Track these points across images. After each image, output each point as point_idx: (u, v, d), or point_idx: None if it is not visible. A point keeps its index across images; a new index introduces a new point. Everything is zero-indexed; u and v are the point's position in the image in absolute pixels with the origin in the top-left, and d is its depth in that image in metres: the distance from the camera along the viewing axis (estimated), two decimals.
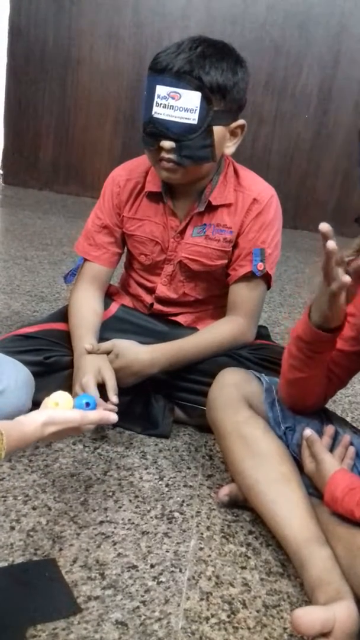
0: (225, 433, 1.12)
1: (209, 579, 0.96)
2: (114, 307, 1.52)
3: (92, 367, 1.25)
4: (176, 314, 1.49)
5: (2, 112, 4.44)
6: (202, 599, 0.92)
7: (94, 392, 1.19)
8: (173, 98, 1.19)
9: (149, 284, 1.48)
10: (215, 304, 1.49)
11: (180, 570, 0.97)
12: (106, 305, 1.50)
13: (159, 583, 0.94)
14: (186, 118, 1.19)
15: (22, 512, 1.05)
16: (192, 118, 1.19)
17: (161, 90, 1.18)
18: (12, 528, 1.01)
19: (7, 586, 0.88)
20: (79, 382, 1.22)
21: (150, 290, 1.48)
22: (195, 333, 1.40)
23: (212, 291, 1.47)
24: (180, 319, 1.49)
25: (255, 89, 4.01)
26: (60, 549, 0.98)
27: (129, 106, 4.40)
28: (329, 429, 1.10)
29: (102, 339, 1.37)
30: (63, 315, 1.47)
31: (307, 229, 4.37)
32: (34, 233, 3.13)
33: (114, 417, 1.00)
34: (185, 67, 1.17)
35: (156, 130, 1.21)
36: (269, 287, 1.43)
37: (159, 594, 0.91)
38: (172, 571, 0.96)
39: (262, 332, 1.54)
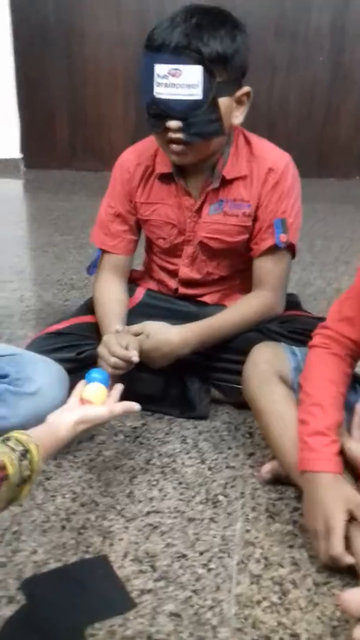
0: (262, 412, 1.12)
1: (258, 561, 0.98)
2: (139, 293, 1.52)
3: (118, 335, 1.26)
4: (202, 295, 1.48)
5: (16, 97, 4.41)
6: (252, 583, 0.93)
7: (115, 345, 1.20)
8: (173, 75, 1.15)
9: (171, 267, 1.47)
10: (241, 278, 1.47)
11: (229, 555, 0.99)
12: (131, 292, 1.50)
13: (208, 570, 0.96)
14: (189, 94, 1.15)
15: (71, 510, 1.08)
16: (196, 93, 1.15)
17: (160, 69, 1.15)
18: (63, 527, 1.04)
19: (63, 587, 0.92)
20: (102, 341, 1.25)
21: (174, 273, 1.47)
22: (224, 310, 1.39)
23: (236, 267, 1.45)
24: (206, 298, 1.48)
25: (265, 36, 3.86)
26: (111, 544, 1.00)
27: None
28: (358, 407, 1.09)
29: (130, 325, 1.37)
30: (90, 307, 1.47)
31: (332, 176, 4.25)
32: (59, 217, 3.14)
33: (137, 406, 1.07)
34: (183, 42, 1.13)
35: (160, 111, 1.18)
36: (293, 256, 1.40)
37: (209, 582, 0.93)
38: (221, 557, 0.98)
39: (292, 300, 1.51)
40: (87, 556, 0.98)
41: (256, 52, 3.92)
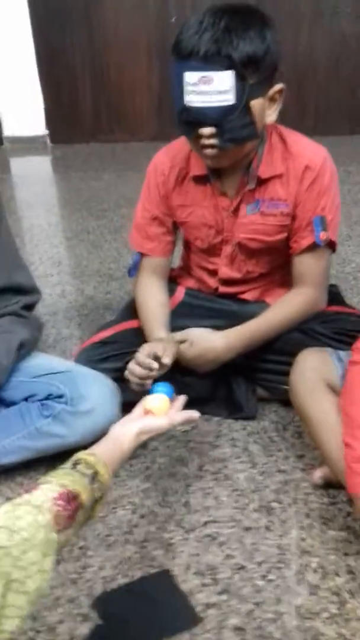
0: (311, 420, 1.14)
1: (315, 571, 1.02)
2: (180, 293, 1.54)
3: (153, 343, 1.26)
4: (243, 292, 1.49)
5: (37, 71, 4.36)
6: (311, 594, 0.98)
7: (143, 356, 1.19)
8: (204, 83, 1.13)
9: (210, 266, 1.48)
10: (281, 273, 1.47)
11: (287, 565, 1.03)
12: (172, 291, 1.52)
13: (268, 582, 1.00)
14: (222, 100, 1.13)
15: (132, 522, 1.14)
16: (228, 99, 1.13)
17: (190, 76, 1.13)
18: (127, 541, 1.10)
19: (133, 604, 0.98)
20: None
21: (213, 272, 1.48)
22: (266, 311, 1.39)
23: (276, 262, 1.45)
24: (247, 295, 1.49)
25: None
26: (173, 557, 1.06)
27: (160, 36, 4.21)
28: None
29: (173, 327, 1.40)
30: (133, 310, 1.49)
31: None
32: (90, 198, 3.14)
33: (196, 414, 1.10)
34: (212, 48, 1.10)
35: (192, 119, 1.17)
36: (334, 250, 1.39)
37: (269, 594, 0.98)
38: (279, 567, 1.03)
39: (333, 292, 1.51)
40: (152, 570, 1.03)
41: (278, 5, 3.77)
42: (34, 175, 3.79)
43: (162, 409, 1.06)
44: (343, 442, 1.02)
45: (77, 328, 1.85)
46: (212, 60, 1.10)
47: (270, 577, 1.01)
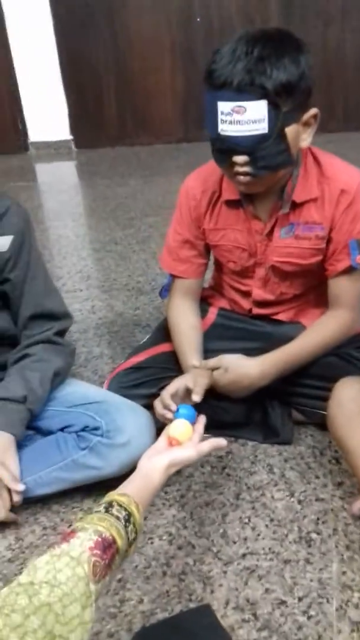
0: (350, 452, 1.13)
1: (357, 606, 1.00)
2: (212, 314, 1.53)
3: (185, 376, 1.27)
4: (277, 313, 1.48)
5: (60, 76, 4.37)
6: (352, 630, 0.97)
7: (167, 397, 1.20)
8: (237, 112, 1.12)
9: (243, 288, 1.47)
10: (315, 293, 1.46)
11: (328, 601, 1.02)
12: (204, 312, 1.51)
13: (309, 618, 0.99)
14: (255, 129, 1.12)
15: (169, 553, 1.14)
16: (262, 128, 1.12)
17: (224, 106, 1.12)
18: (165, 573, 1.10)
19: None
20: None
21: (246, 294, 1.47)
22: (301, 335, 1.38)
23: (310, 283, 1.43)
24: (281, 316, 1.48)
25: None
26: (212, 591, 1.05)
27: (184, 37, 4.19)
28: None
29: (206, 349, 1.39)
30: (165, 333, 1.49)
31: None
32: (117, 207, 3.15)
33: (223, 442, 1.08)
34: (246, 79, 1.09)
35: (226, 147, 1.16)
36: None
37: (311, 630, 0.97)
38: (320, 602, 1.02)
39: None
40: (191, 604, 1.03)
41: (308, 4, 3.72)
42: (60, 183, 3.80)
43: (185, 435, 1.05)
44: None
45: (107, 346, 1.86)
46: (245, 91, 1.09)
47: (311, 612, 1.00)
